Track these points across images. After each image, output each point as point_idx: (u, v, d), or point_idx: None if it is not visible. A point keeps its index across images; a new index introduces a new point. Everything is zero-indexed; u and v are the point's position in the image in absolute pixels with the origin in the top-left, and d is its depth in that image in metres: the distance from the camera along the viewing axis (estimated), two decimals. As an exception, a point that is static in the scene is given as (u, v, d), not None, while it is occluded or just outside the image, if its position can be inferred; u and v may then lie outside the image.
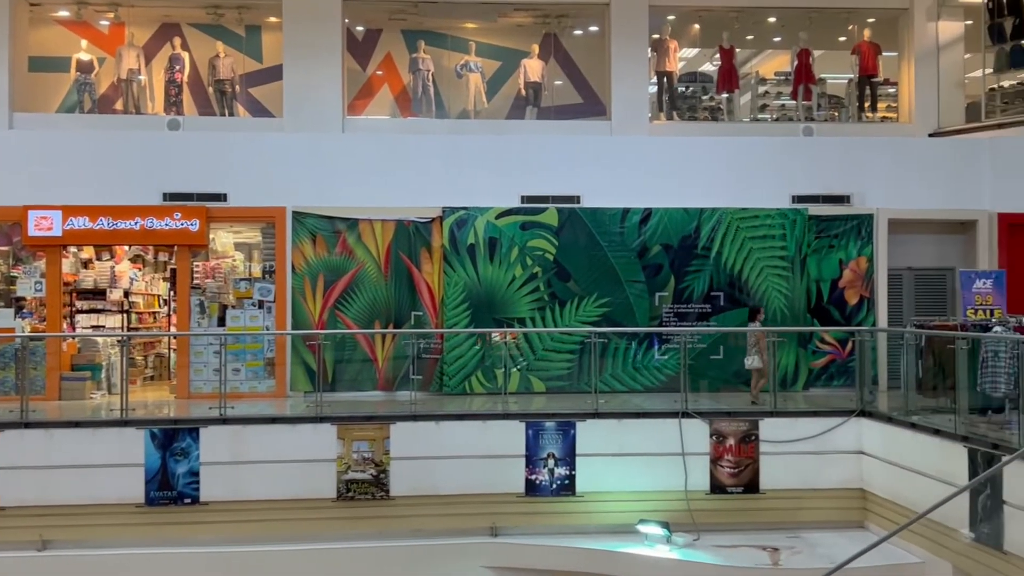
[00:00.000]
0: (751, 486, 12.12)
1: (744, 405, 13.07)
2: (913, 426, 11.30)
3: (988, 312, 13.26)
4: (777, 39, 18.92)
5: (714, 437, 12.16)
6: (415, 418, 12.20)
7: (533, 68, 16.94)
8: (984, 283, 13.83)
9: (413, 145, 15.13)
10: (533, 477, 12.00)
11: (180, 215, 14.45)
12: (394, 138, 15.50)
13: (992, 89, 17.10)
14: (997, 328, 11.24)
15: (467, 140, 15.42)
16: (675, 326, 14.71)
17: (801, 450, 12.12)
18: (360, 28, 17.43)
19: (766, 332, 13.50)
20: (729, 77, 17.32)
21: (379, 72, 17.49)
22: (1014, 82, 17.12)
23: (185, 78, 16.43)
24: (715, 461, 12.15)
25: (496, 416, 12.36)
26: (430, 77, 16.88)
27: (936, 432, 10.74)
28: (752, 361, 13.26)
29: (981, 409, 10.85)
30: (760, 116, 18.36)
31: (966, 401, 10.80)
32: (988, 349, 10.60)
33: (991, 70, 16.72)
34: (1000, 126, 16.13)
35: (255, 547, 11.56)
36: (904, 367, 12.25)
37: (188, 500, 11.57)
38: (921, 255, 15.47)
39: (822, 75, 17.89)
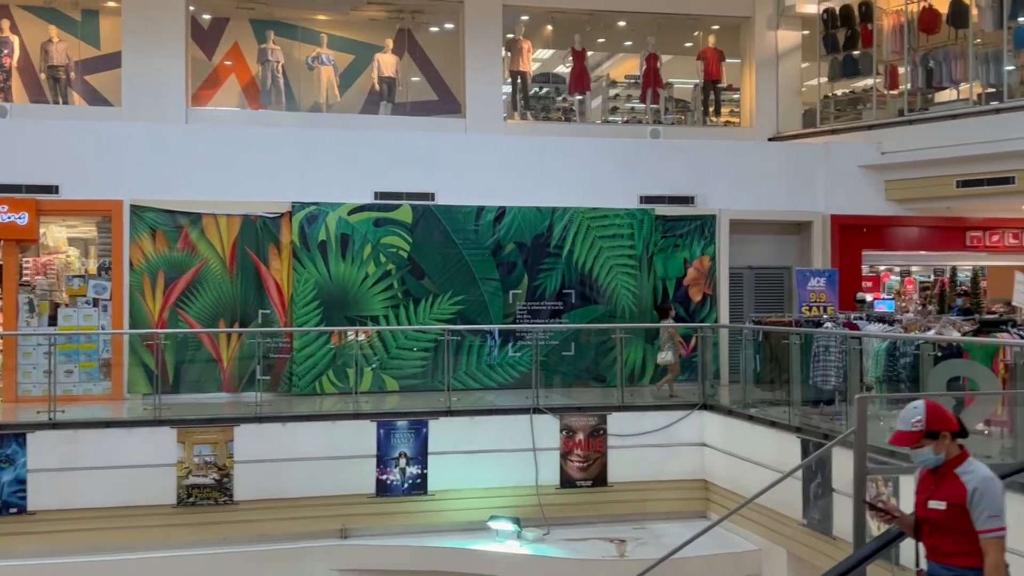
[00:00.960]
0: (599, 479, 12.35)
1: (594, 400, 13.32)
2: (751, 418, 11.77)
3: (821, 309, 13.98)
4: (627, 43, 19.38)
5: (564, 432, 12.32)
6: (261, 420, 11.85)
7: (387, 63, 16.75)
8: (818, 281, 14.57)
9: (261, 138, 14.68)
10: (384, 477, 11.85)
11: (7, 208, 13.55)
12: (241, 130, 15.01)
13: (827, 97, 18.03)
14: (828, 324, 11.84)
15: (318, 134, 15.08)
16: (529, 323, 14.82)
17: (647, 443, 12.44)
18: (206, 16, 16.80)
19: (677, 328, 13.88)
20: (581, 79, 17.62)
21: (227, 62, 16.90)
22: (846, 90, 18.11)
23: (14, 63, 15.44)
24: (565, 456, 12.31)
25: (346, 416, 12.15)
26: (280, 69, 16.45)
27: (772, 424, 11.22)
28: (666, 356, 13.61)
29: (814, 401, 11.40)
30: (611, 118, 18.77)
31: (799, 394, 11.32)
32: (820, 344, 11.15)
33: (826, 78, 17.61)
34: (833, 132, 17.02)
35: (88, 558, 10.96)
36: (743, 362, 12.77)
37: (14, 510, 10.87)
38: (760, 254, 16.14)
39: (669, 80, 18.44)
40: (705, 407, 12.75)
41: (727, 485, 12.03)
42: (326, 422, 12.06)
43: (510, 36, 17.15)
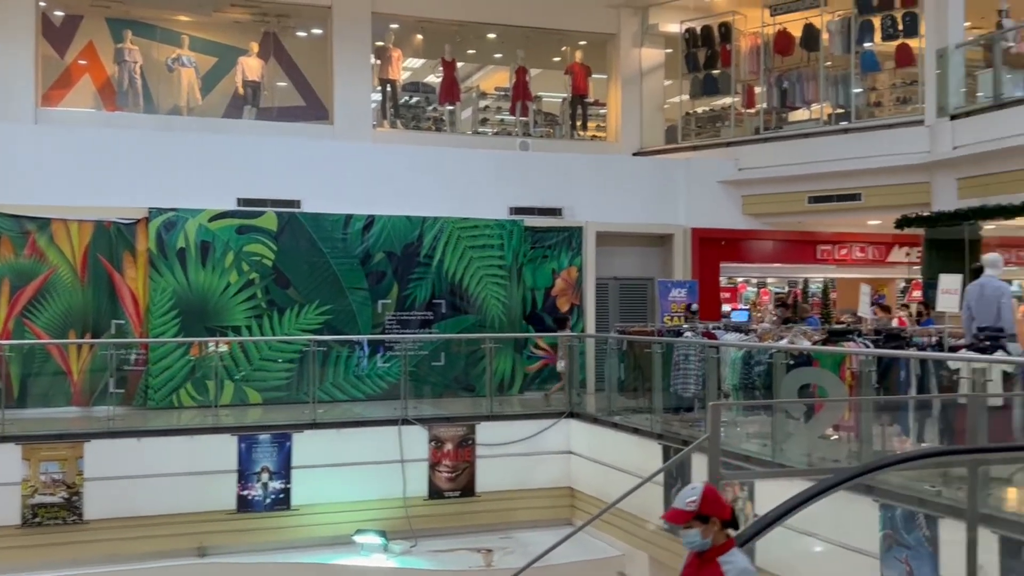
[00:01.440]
0: (467, 489, 12.34)
1: (463, 410, 13.31)
2: (616, 426, 12.00)
3: (682, 318, 14.39)
4: (497, 55, 19.55)
5: (433, 443, 12.26)
6: (114, 435, 11.33)
7: (252, 67, 16.36)
8: (679, 292, 14.99)
9: (117, 140, 14.04)
10: (245, 493, 11.50)
11: None
12: (95, 132, 14.35)
13: (688, 114, 18.63)
14: (688, 332, 12.20)
15: (178, 138, 14.56)
16: (398, 333, 14.69)
17: (515, 452, 12.51)
18: (58, 13, 16.01)
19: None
20: (451, 89, 17.65)
21: (81, 61, 16.15)
22: (707, 108, 18.76)
23: None
24: (433, 466, 12.25)
25: (206, 430, 11.75)
26: (138, 70, 15.83)
27: (635, 431, 11.46)
28: (560, 365, 13.91)
29: (675, 408, 11.71)
30: (481, 129, 18.86)
31: (661, 401, 11.62)
32: (680, 353, 11.47)
33: (687, 96, 18.20)
34: (694, 148, 17.60)
35: (-82, 587, 10.22)
36: (609, 370, 13.02)
37: None
38: (625, 266, 16.50)
39: (539, 93, 18.69)
40: (572, 415, 12.92)
41: (592, 492, 12.22)
42: (184, 437, 11.63)
43: (380, 44, 17.04)
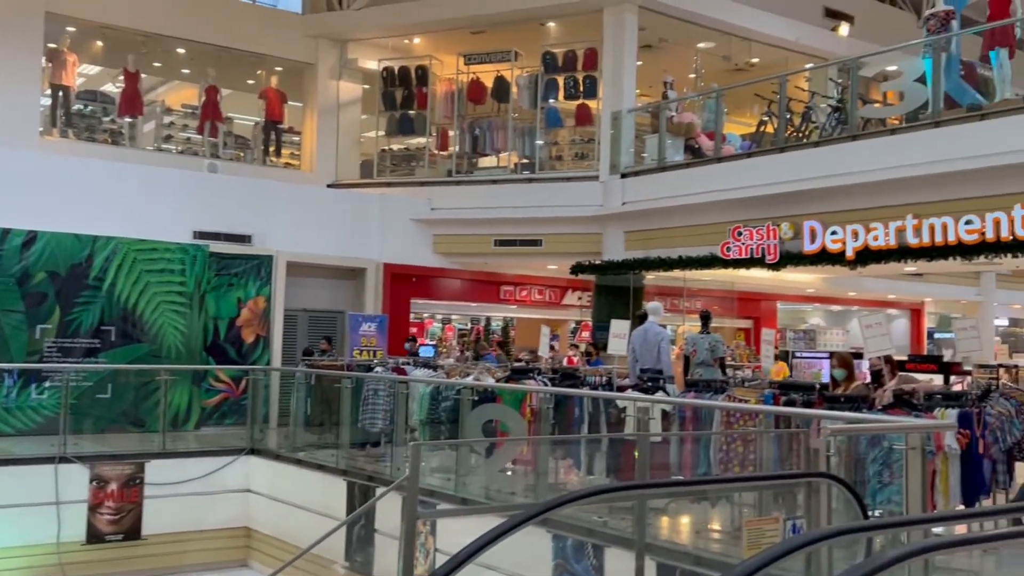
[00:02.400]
0: (133, 532, 11.43)
1: (132, 446, 12.34)
2: (299, 462, 11.71)
3: (372, 353, 14.41)
4: (186, 71, 18.67)
5: (95, 482, 11.24)
6: None
7: None
8: (369, 326, 15.01)
9: None
10: None
11: None
12: None
13: (384, 150, 18.84)
14: (379, 368, 12.22)
15: None
16: (58, 361, 13.36)
17: (189, 491, 11.79)
18: None
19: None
20: (133, 101, 16.58)
21: None
22: (402, 146, 19.09)
23: None
24: (94, 508, 11.22)
25: None
26: None
27: (320, 467, 11.25)
28: None
29: (362, 444, 11.65)
30: (165, 146, 17.85)
31: (348, 436, 11.51)
32: (369, 388, 11.46)
33: (383, 133, 18.41)
34: (389, 184, 17.81)
35: None
36: (295, 405, 12.70)
37: None
38: (316, 298, 16.26)
39: (230, 114, 18.04)
40: (252, 452, 12.43)
41: (271, 532, 11.80)
42: None
43: (52, 46, 15.63)
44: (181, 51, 17.82)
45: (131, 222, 14.20)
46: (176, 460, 12.00)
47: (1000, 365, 14.66)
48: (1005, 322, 26.24)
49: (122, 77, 16.73)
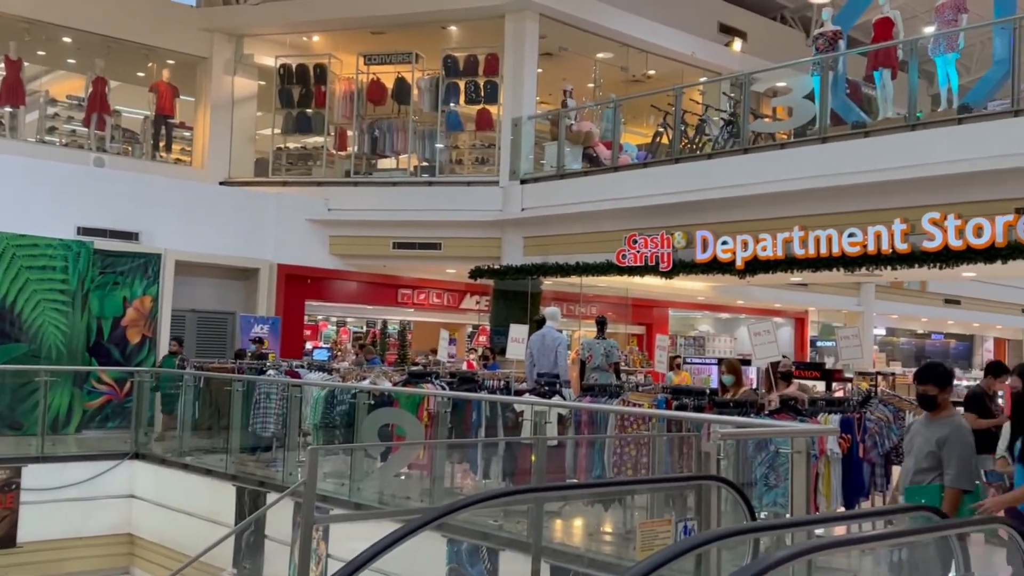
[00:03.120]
0: (7, 540, 10.88)
1: (6, 450, 11.76)
2: (186, 467, 11.36)
3: (262, 356, 14.09)
4: (72, 61, 17.95)
5: (-35, 489, 10.67)
6: None
7: None
8: (262, 328, 14.69)
9: None
10: None
11: None
12: None
13: (280, 148, 18.48)
14: (271, 371, 11.96)
15: None
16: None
17: (69, 497, 11.30)
18: None
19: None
20: (14, 90, 15.87)
21: None
22: (299, 145, 18.77)
23: None
24: (-36, 517, 10.65)
25: None
26: None
27: (208, 472, 10.94)
28: None
29: (252, 448, 11.37)
30: (48, 138, 17.12)
31: (238, 441, 11.22)
32: (261, 391, 11.19)
33: (280, 131, 18.06)
34: (285, 184, 17.48)
35: None
36: (182, 408, 12.30)
37: None
38: (206, 298, 15.82)
39: (118, 107, 17.42)
40: (137, 456, 12.00)
41: (156, 539, 11.41)
42: None
43: (-76, 28, 14.82)
44: (67, 40, 17.11)
45: (11, 216, 13.54)
46: (56, 464, 11.49)
47: (879, 373, 15.36)
48: (883, 331, 27.51)
49: (2, 64, 15.97)
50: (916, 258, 10.76)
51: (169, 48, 17.54)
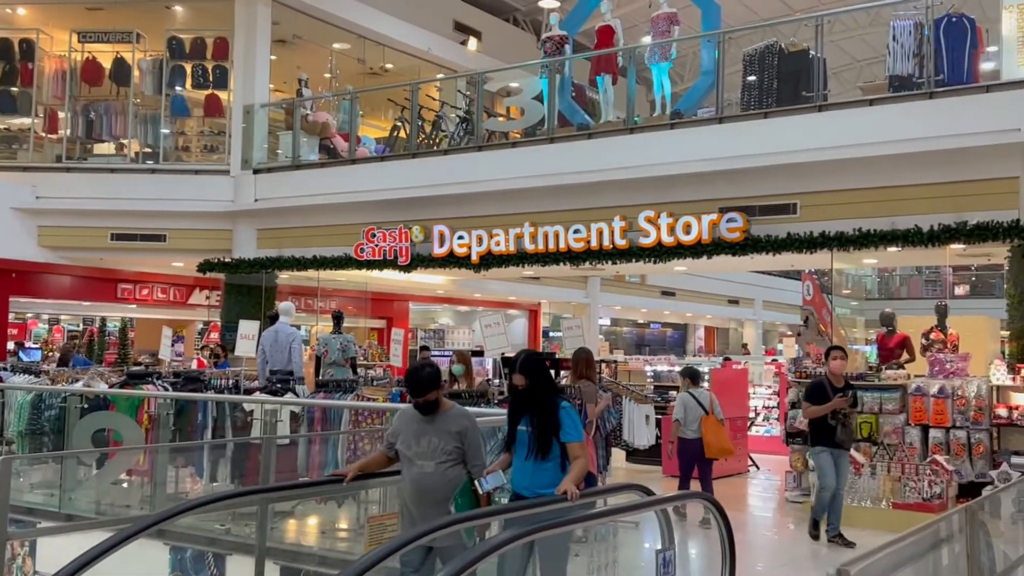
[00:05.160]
0: None
1: None
2: None
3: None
4: None
5: None
6: None
7: None
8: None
9: None
10: None
11: None
12: None
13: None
14: None
15: None
16: None
17: None
18: None
19: None
20: None
21: None
22: (3, 127, 17.03)
23: None
24: None
25: None
26: None
27: None
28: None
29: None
30: None
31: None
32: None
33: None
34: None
35: None
36: None
37: None
38: None
39: None
40: None
41: None
42: None
43: None
44: None
45: None
46: None
47: (603, 360, 16.25)
48: (607, 321, 29.24)
49: None
50: (634, 253, 11.51)
51: None
